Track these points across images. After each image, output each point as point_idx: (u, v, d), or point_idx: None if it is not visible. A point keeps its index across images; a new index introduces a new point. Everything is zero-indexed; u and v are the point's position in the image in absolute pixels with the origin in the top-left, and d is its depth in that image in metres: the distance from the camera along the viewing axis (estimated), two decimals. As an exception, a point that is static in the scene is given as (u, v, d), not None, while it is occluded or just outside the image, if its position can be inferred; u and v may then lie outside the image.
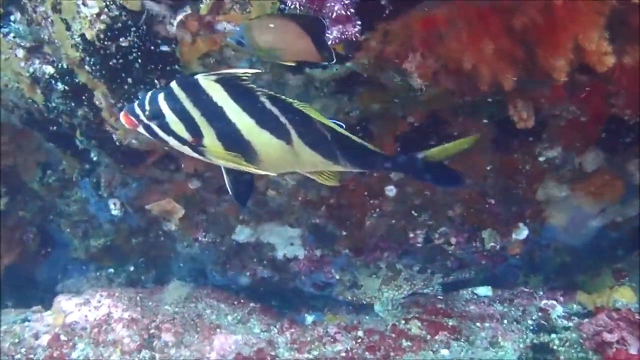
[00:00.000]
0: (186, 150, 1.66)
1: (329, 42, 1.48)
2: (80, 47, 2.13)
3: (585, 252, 2.76)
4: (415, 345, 2.40)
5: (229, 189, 1.70)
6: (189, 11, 1.96)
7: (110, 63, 2.12)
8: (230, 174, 1.69)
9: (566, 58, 1.57)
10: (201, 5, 1.93)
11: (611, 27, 1.55)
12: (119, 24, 2.04)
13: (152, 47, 2.06)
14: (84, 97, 2.34)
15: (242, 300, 2.77)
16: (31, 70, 2.40)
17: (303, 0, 1.42)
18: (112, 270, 3.30)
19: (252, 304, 2.74)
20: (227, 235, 2.87)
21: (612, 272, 2.66)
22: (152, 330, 2.48)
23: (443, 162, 1.77)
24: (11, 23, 2.39)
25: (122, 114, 1.65)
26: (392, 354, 2.37)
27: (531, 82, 1.80)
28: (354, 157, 1.71)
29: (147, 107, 1.61)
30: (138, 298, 2.63)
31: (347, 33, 1.41)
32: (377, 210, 2.62)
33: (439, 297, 2.75)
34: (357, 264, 2.84)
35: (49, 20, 2.19)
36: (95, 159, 2.73)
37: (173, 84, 1.61)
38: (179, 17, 1.98)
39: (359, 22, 1.43)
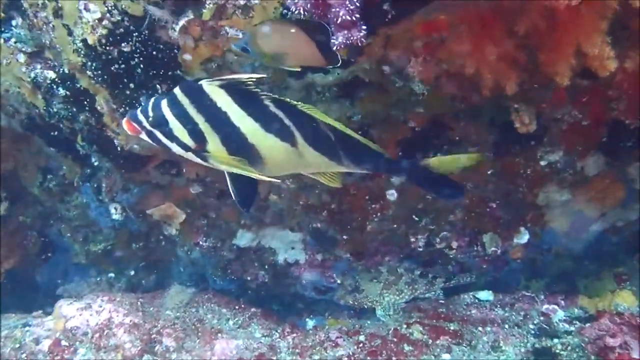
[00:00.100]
0: (189, 156, 1.66)
1: (335, 48, 1.48)
2: (82, 52, 2.13)
3: (587, 256, 2.76)
4: (417, 349, 2.40)
5: (232, 194, 1.70)
6: (192, 16, 1.96)
7: (112, 68, 2.11)
8: (233, 179, 1.69)
9: (568, 62, 1.57)
10: (204, 11, 1.93)
11: (612, 31, 1.55)
12: (121, 29, 2.03)
13: (154, 52, 2.06)
14: (85, 103, 2.33)
15: (243, 305, 2.77)
16: (32, 75, 2.40)
17: (308, 6, 1.42)
18: (112, 274, 3.30)
19: (253, 309, 2.75)
20: (228, 239, 2.87)
21: (613, 276, 2.66)
22: (153, 335, 2.47)
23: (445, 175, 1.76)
24: (12, 28, 2.39)
25: (124, 120, 1.64)
26: (394, 358, 2.37)
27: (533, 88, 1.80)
28: (357, 157, 1.72)
29: (151, 114, 1.61)
30: (139, 303, 2.63)
31: (352, 38, 1.41)
32: (379, 214, 2.62)
33: (440, 301, 2.75)
34: (358, 268, 2.84)
35: (51, 25, 2.19)
36: (96, 163, 2.73)
37: (177, 90, 1.61)
38: (181, 22, 1.98)
39: (364, 27, 1.42)
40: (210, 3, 1.91)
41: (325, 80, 2.07)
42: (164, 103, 1.60)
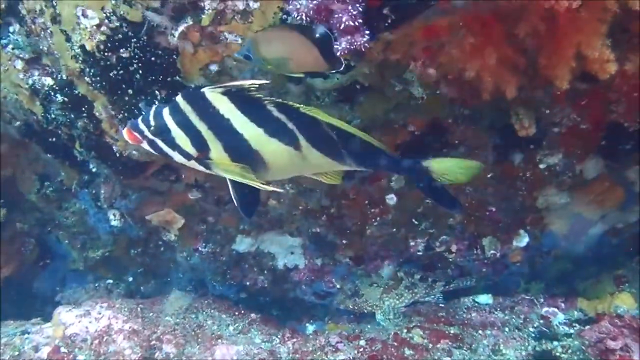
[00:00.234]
0: (192, 164, 1.65)
1: (338, 53, 1.48)
2: (80, 58, 2.12)
3: (586, 259, 2.76)
4: (417, 353, 2.39)
5: (234, 201, 1.69)
6: (191, 22, 1.95)
7: (111, 74, 2.10)
8: (236, 185, 1.68)
9: (569, 65, 1.58)
10: (203, 16, 1.92)
11: (612, 34, 1.55)
12: (120, 35, 2.02)
13: (153, 58, 2.06)
14: (83, 109, 2.32)
15: (242, 311, 2.76)
16: (30, 81, 2.39)
17: (310, 12, 1.42)
18: (110, 281, 3.29)
19: (252, 314, 2.74)
20: (227, 245, 2.86)
21: (612, 278, 2.66)
22: (153, 342, 2.46)
23: (445, 186, 1.75)
24: (10, 34, 2.38)
25: (125, 130, 1.63)
26: (394, 362, 2.37)
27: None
28: (359, 156, 1.71)
29: (152, 123, 1.59)
30: (139, 309, 2.61)
31: (356, 43, 1.41)
32: (378, 218, 2.62)
33: (440, 305, 2.75)
34: (358, 272, 2.84)
35: (48, 31, 2.18)
36: (94, 170, 2.72)
37: (179, 98, 1.60)
38: (181, 27, 1.97)
39: (367, 32, 1.42)
40: (209, 9, 1.91)
41: (325, 84, 2.06)
42: (166, 111, 1.59)
